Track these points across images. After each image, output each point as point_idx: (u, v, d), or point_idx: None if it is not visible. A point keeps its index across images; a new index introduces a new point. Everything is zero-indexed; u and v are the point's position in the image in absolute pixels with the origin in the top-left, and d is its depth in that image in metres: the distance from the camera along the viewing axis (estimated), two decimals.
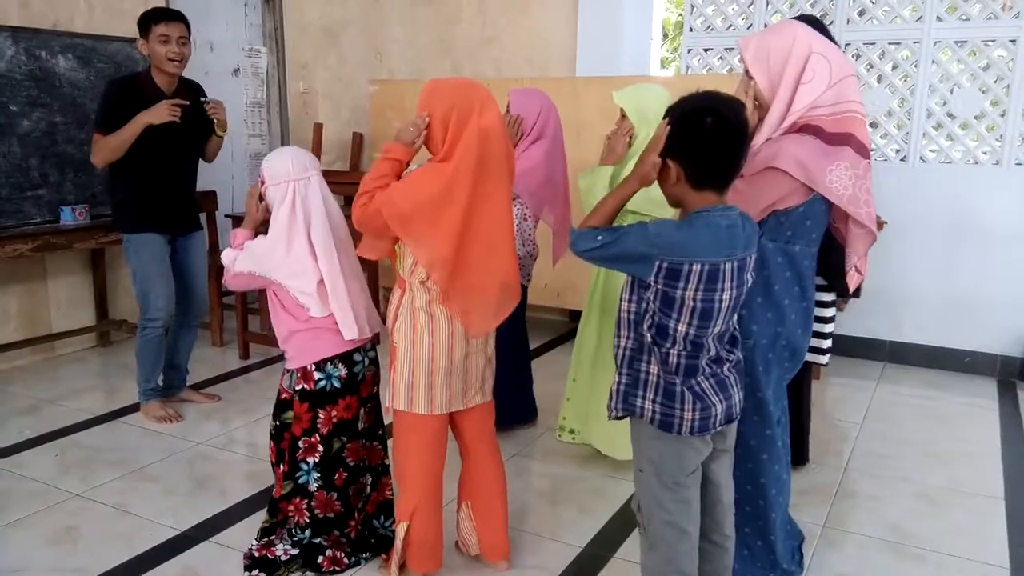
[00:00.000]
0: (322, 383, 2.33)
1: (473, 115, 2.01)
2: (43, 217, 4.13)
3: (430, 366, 2.12)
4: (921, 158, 4.38)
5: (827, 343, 2.98)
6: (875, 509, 2.88)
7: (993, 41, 4.16)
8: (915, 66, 4.31)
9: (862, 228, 2.15)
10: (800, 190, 2.04)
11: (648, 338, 1.75)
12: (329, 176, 5.76)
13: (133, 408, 3.69)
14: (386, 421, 2.40)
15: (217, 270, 4.65)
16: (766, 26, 4.61)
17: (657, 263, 1.68)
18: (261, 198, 2.39)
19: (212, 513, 2.76)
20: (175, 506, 2.83)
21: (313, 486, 2.37)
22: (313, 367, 2.32)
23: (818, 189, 2.03)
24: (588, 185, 2.94)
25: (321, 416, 2.34)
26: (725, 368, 1.82)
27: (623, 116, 2.94)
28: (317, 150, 5.70)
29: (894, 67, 4.39)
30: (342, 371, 2.34)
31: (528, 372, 3.51)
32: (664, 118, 1.74)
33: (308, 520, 2.39)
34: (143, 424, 3.56)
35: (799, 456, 3.05)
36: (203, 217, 4.70)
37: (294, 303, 2.32)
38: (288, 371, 2.40)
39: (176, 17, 3.37)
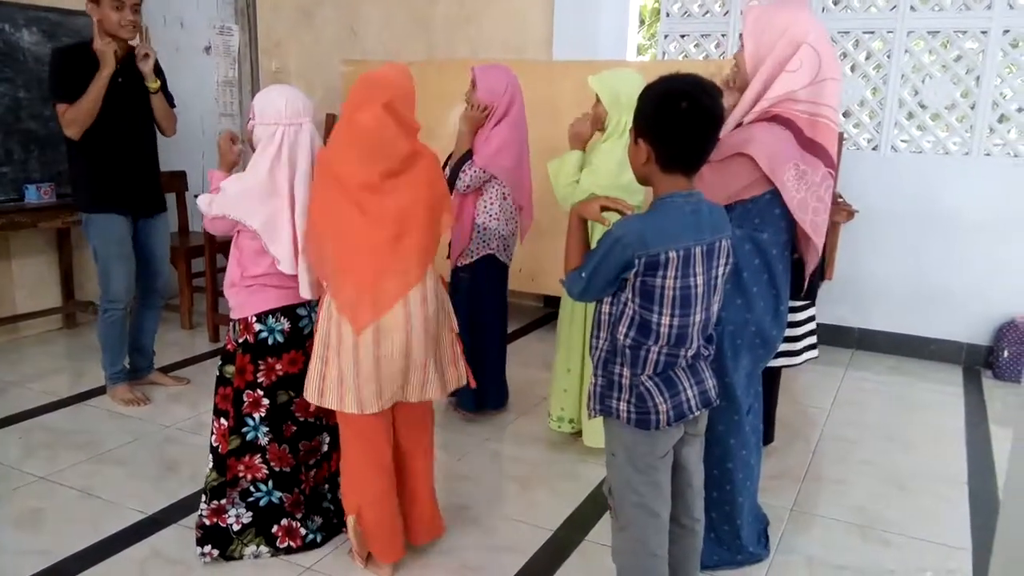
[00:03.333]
0: (263, 335, 2.30)
1: (349, 112, 2.04)
2: (7, 195, 4.04)
3: (338, 363, 2.09)
4: (892, 147, 4.43)
5: (799, 345, 2.97)
6: (842, 492, 2.92)
7: (965, 32, 4.20)
8: (888, 56, 4.34)
9: (808, 238, 2.14)
10: (762, 180, 2.04)
11: (621, 341, 1.75)
12: None
13: (99, 391, 3.64)
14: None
15: (186, 251, 4.59)
16: (741, 13, 4.61)
17: (636, 260, 1.67)
18: (234, 140, 2.34)
19: (180, 496, 2.73)
20: (142, 489, 2.79)
21: (263, 440, 2.35)
22: (254, 319, 2.30)
23: (775, 182, 2.02)
24: (555, 170, 2.96)
25: (262, 368, 2.31)
26: (700, 362, 1.83)
27: (598, 101, 2.94)
28: None
29: (868, 56, 4.42)
30: (285, 325, 2.32)
31: (503, 358, 3.51)
32: (638, 98, 1.73)
33: (267, 474, 2.37)
34: (110, 407, 3.51)
35: (766, 436, 3.09)
36: (173, 198, 4.66)
37: (252, 254, 2.26)
38: (232, 321, 2.37)
39: None
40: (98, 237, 3.39)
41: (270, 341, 2.31)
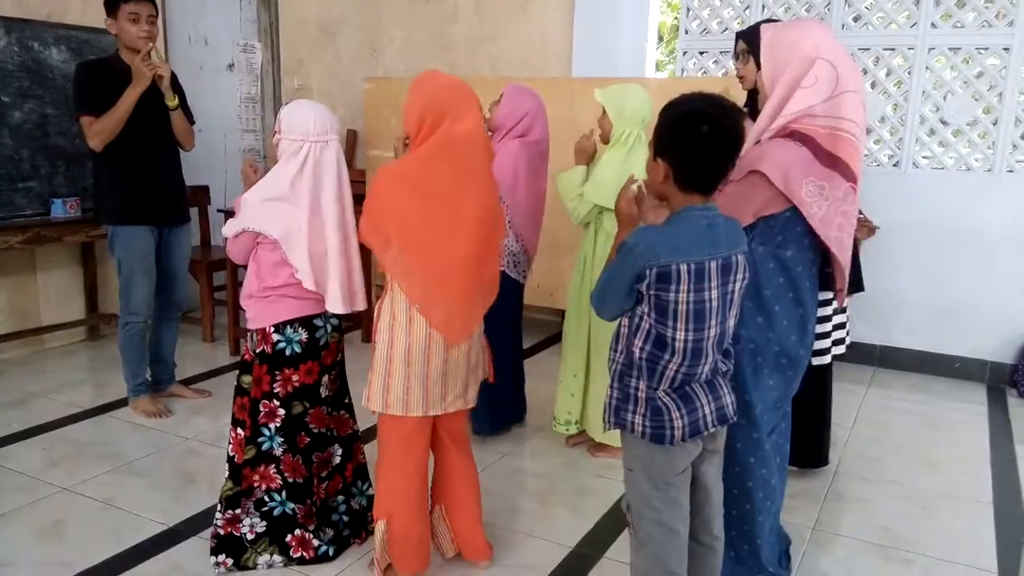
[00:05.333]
0: (281, 346, 2.31)
1: (447, 119, 1.99)
2: (34, 209, 4.11)
3: (406, 369, 2.08)
4: (914, 164, 4.40)
5: (827, 342, 2.98)
6: (864, 512, 2.88)
7: (986, 49, 4.18)
8: (909, 72, 4.33)
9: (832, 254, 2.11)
10: (780, 198, 2.02)
11: (637, 354, 1.75)
12: None
13: (121, 402, 3.67)
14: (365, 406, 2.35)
15: (208, 265, 4.64)
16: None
17: (647, 271, 1.67)
18: (255, 169, 2.37)
19: (200, 508, 2.75)
20: (163, 501, 2.81)
21: (278, 451, 2.36)
22: (272, 329, 2.30)
23: (793, 200, 2.00)
24: (563, 187, 3.06)
25: (279, 379, 2.32)
26: (718, 377, 1.82)
27: (604, 113, 3.01)
28: None
29: (888, 73, 4.41)
30: (302, 335, 2.33)
31: (521, 371, 3.51)
32: (659, 116, 1.74)
33: (281, 484, 2.38)
34: (132, 419, 3.54)
35: (819, 458, 3.11)
36: (195, 212, 4.72)
37: (271, 266, 2.26)
38: (250, 332, 2.38)
39: None
40: (123, 250, 3.43)
41: (287, 352, 2.32)
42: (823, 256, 2.18)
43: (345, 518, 2.52)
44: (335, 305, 2.29)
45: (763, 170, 1.99)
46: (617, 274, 1.73)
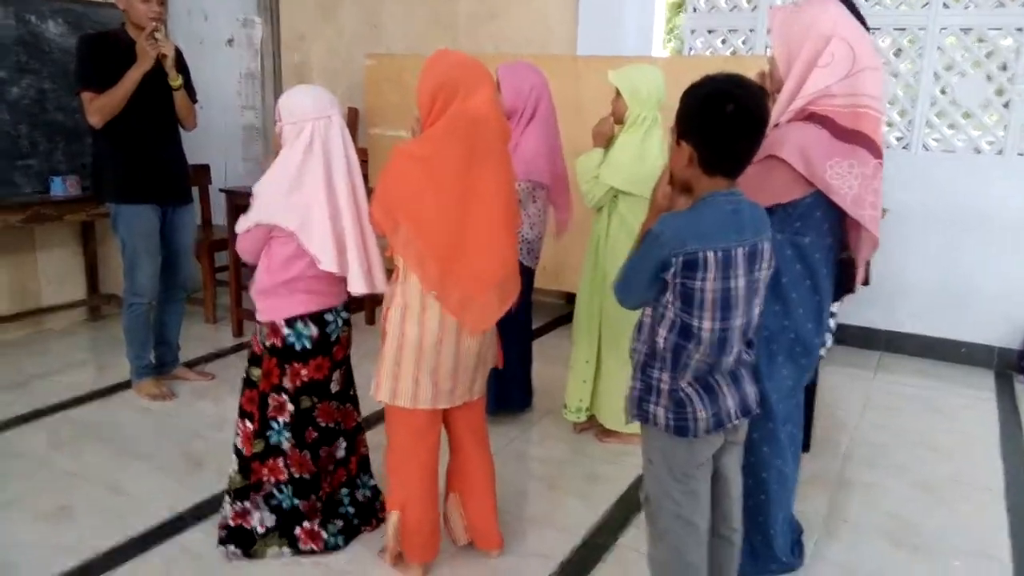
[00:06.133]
0: (291, 340, 2.27)
1: (458, 96, 1.94)
2: (33, 188, 4.05)
3: (416, 361, 2.03)
4: (924, 146, 4.35)
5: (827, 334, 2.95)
6: (875, 499, 2.87)
7: (999, 29, 4.12)
8: (920, 53, 4.27)
9: (866, 232, 2.07)
10: (801, 182, 1.98)
11: (661, 344, 1.72)
12: None
13: (125, 384, 3.64)
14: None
15: (210, 245, 4.59)
16: (770, 7, 4.54)
17: (673, 259, 1.63)
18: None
19: (207, 494, 2.72)
20: (169, 485, 2.79)
21: (286, 445, 2.33)
22: (282, 324, 2.26)
23: (817, 184, 1.96)
24: (580, 170, 3.01)
25: (288, 372, 2.29)
26: (742, 368, 1.79)
27: (617, 95, 2.95)
28: None
29: (899, 52, 4.35)
30: (313, 331, 2.29)
31: (529, 356, 3.48)
32: (682, 98, 1.70)
33: (287, 478, 2.35)
34: (135, 401, 3.51)
35: (804, 445, 3.06)
36: (196, 192, 4.66)
37: (283, 260, 2.22)
38: (259, 325, 2.34)
39: None
40: (127, 230, 3.39)
41: (298, 347, 2.29)
42: (840, 242, 2.15)
43: (351, 509, 2.50)
44: (358, 285, 2.23)
45: (782, 155, 1.95)
46: (642, 262, 1.69)
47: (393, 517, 2.20)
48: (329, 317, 2.33)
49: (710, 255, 1.63)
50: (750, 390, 1.80)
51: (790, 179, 1.99)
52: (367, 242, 2.28)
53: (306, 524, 2.38)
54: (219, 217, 4.81)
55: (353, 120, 5.57)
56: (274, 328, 2.28)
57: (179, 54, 3.45)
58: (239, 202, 4.31)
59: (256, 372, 2.35)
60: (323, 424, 2.39)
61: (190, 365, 3.90)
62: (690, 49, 4.82)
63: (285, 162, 2.18)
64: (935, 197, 4.29)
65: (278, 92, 5.75)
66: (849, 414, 3.64)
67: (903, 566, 2.47)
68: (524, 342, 3.41)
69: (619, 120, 3.00)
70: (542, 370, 3.64)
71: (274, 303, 2.27)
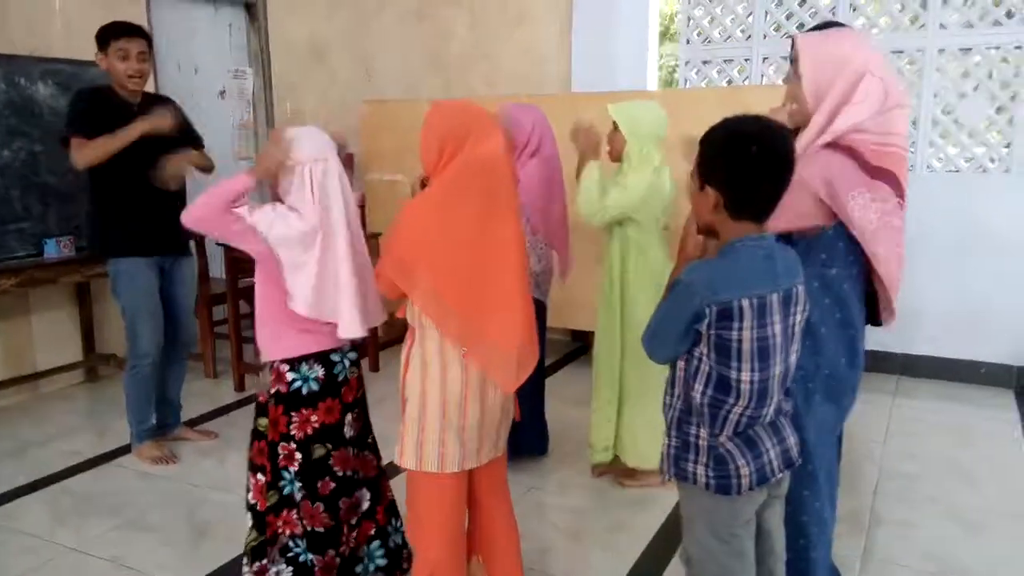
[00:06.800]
0: (297, 384, 2.16)
1: (468, 142, 1.85)
2: (26, 251, 3.96)
3: (441, 423, 1.92)
4: (928, 167, 4.31)
5: None
6: (911, 536, 2.77)
7: (998, 48, 4.10)
8: (919, 75, 4.24)
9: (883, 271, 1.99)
10: (823, 210, 1.92)
11: (698, 399, 1.63)
12: None
13: (125, 449, 3.52)
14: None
15: (208, 298, 4.50)
16: (765, 37, 4.54)
17: (707, 309, 1.55)
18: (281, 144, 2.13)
19: (216, 564, 2.61)
20: (176, 558, 2.67)
21: (297, 496, 2.21)
22: (287, 368, 2.16)
23: (838, 213, 1.90)
24: (584, 199, 2.92)
25: (296, 420, 2.18)
26: (781, 416, 1.70)
27: (615, 129, 2.91)
28: None
29: (897, 73, 4.33)
30: (319, 372, 2.18)
31: (542, 397, 3.38)
32: (701, 142, 1.63)
33: (301, 532, 2.23)
34: (137, 467, 3.39)
35: None
36: (193, 246, 4.59)
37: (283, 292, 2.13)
38: (262, 369, 2.23)
39: (136, 32, 3.22)
40: (126, 290, 3.30)
41: (304, 391, 2.18)
42: (867, 272, 2.08)
43: (384, 561, 2.38)
44: (348, 330, 2.13)
45: (804, 176, 1.88)
46: (672, 314, 1.61)
47: None
48: (335, 357, 2.22)
49: (745, 303, 1.55)
50: (792, 440, 1.71)
51: (812, 205, 1.92)
52: (366, 286, 2.19)
53: None
54: (216, 269, 4.73)
55: (349, 165, 5.52)
56: (278, 374, 2.18)
57: (172, 103, 3.42)
58: (237, 255, 4.25)
59: (263, 422, 2.24)
60: (340, 473, 2.26)
61: (192, 423, 3.79)
62: (685, 81, 4.80)
63: (301, 211, 2.10)
64: (943, 217, 4.24)
65: None
66: (873, 443, 3.54)
67: None
68: (538, 382, 3.32)
69: (616, 156, 2.94)
70: (554, 411, 3.54)
71: (276, 341, 2.17)
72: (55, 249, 4.00)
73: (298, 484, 2.21)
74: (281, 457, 2.21)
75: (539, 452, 3.37)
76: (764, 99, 2.55)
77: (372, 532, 2.37)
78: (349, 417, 2.28)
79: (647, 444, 2.96)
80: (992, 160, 4.20)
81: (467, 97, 4.88)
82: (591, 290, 3.92)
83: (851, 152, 1.93)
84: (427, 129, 1.91)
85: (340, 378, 2.23)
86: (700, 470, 1.64)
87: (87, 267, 4.03)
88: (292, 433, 2.19)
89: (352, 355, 2.29)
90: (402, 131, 4.83)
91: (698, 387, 1.62)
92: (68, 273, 4.05)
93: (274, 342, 2.18)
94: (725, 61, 4.66)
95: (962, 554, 2.65)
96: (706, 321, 1.56)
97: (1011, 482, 3.18)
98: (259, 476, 2.25)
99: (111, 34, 3.17)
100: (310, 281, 2.11)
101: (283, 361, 2.17)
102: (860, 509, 2.93)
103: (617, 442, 3.09)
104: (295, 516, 2.23)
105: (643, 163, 2.84)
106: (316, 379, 2.18)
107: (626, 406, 3.04)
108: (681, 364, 1.67)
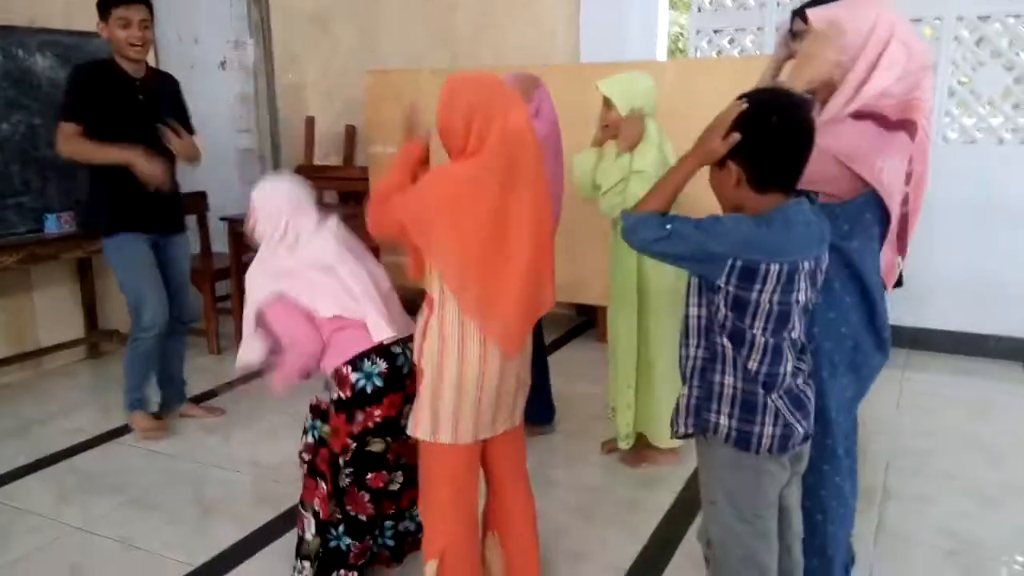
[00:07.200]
0: (361, 384, 2.08)
1: (498, 116, 1.79)
2: (27, 226, 3.90)
3: (459, 393, 1.87)
4: (943, 138, 4.23)
5: None
6: (925, 512, 2.73)
7: (1018, 16, 3.99)
8: (937, 42, 4.14)
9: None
10: (847, 178, 1.87)
11: (721, 345, 1.58)
12: (323, 171, 5.56)
13: (128, 427, 3.48)
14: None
15: (211, 274, 4.44)
16: (778, 5, 4.43)
17: (729, 262, 1.50)
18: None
19: (226, 544, 2.57)
20: (184, 537, 2.64)
21: (345, 482, 2.17)
22: (349, 369, 2.08)
23: (865, 178, 1.84)
24: (581, 165, 2.93)
25: (358, 419, 2.10)
26: (800, 381, 1.65)
27: (608, 106, 2.82)
28: (309, 144, 5.48)
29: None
30: (382, 366, 2.10)
31: (545, 370, 3.33)
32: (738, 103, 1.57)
33: (341, 518, 2.19)
34: (141, 444, 3.35)
35: None
36: (194, 220, 4.54)
37: (310, 312, 2.11)
38: (327, 379, 2.16)
39: (137, 0, 3.12)
40: (121, 263, 3.25)
41: (369, 389, 2.09)
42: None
43: (389, 543, 2.34)
44: (380, 332, 2.10)
45: (831, 146, 1.81)
46: (699, 238, 1.52)
47: (432, 567, 2.03)
48: (396, 349, 2.14)
49: (773, 267, 1.50)
50: (812, 415, 1.66)
51: (835, 173, 1.87)
52: (384, 296, 2.19)
53: (342, 571, 2.21)
54: (218, 244, 4.68)
55: (352, 137, 5.45)
56: (340, 378, 2.09)
57: (177, 90, 3.36)
58: (239, 229, 4.19)
59: (325, 428, 2.18)
60: (391, 461, 2.22)
61: (196, 400, 3.75)
62: (696, 50, 4.69)
63: (269, 259, 2.14)
64: (957, 189, 4.15)
65: (273, 113, 5.63)
66: (886, 418, 3.50)
67: None
68: (539, 356, 3.26)
69: (613, 133, 2.84)
70: (563, 386, 3.50)
71: (331, 350, 2.12)
72: (55, 224, 3.94)
73: (348, 470, 2.16)
74: (340, 456, 2.17)
75: (544, 420, 3.33)
76: None
77: (392, 512, 2.33)
78: (407, 408, 2.20)
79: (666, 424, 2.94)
80: (1008, 132, 4.11)
81: (474, 69, 4.78)
82: (596, 264, 3.87)
83: (874, 117, 1.88)
84: (447, 106, 1.83)
85: (404, 370, 2.14)
86: (723, 420, 1.59)
87: (88, 243, 3.97)
88: (353, 431, 2.13)
89: (412, 344, 2.22)
90: (406, 102, 4.73)
91: (719, 334, 1.58)
92: (69, 249, 4.00)
93: (327, 359, 2.13)
94: (737, 30, 4.56)
95: (978, 529, 2.61)
96: (724, 274, 1.51)
97: None
98: (321, 484, 2.19)
99: (112, 2, 3.08)
100: (329, 289, 2.13)
101: (345, 363, 2.10)
102: (873, 485, 2.89)
103: (639, 422, 3.03)
104: (334, 504, 2.18)
105: (647, 143, 2.76)
106: (380, 374, 2.10)
107: (650, 389, 2.96)
108: (693, 312, 1.62)
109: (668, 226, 1.56)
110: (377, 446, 2.15)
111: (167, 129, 3.16)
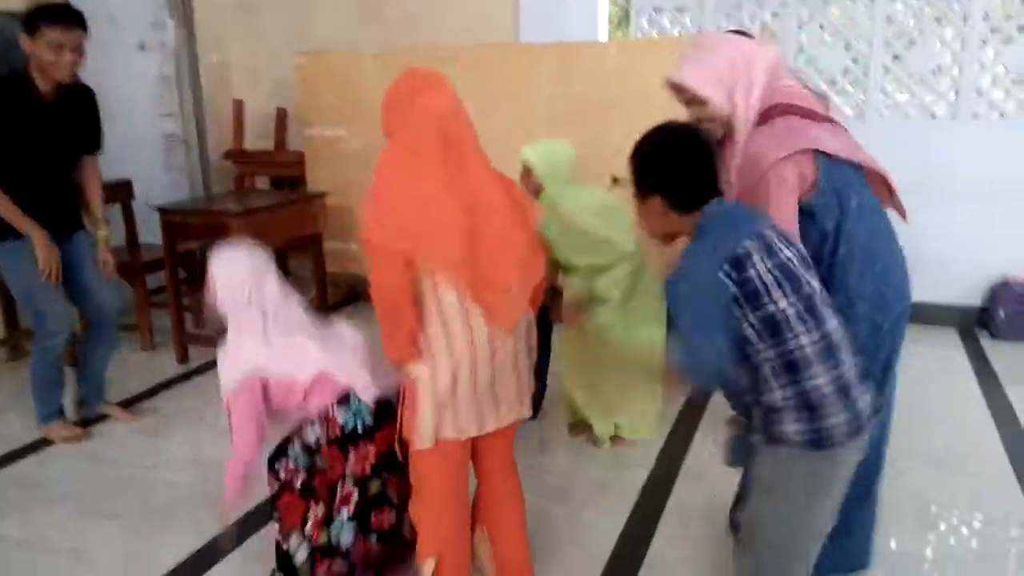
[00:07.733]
0: (350, 423, 2.02)
1: (417, 96, 1.81)
2: None
3: (447, 392, 1.83)
4: (879, 114, 4.36)
5: None
6: (890, 476, 2.80)
7: None
8: (870, 21, 4.26)
9: None
10: (803, 160, 1.91)
11: (764, 359, 1.56)
12: (255, 156, 5.33)
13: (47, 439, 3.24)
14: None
15: (140, 266, 4.19)
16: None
17: (723, 264, 1.53)
18: None
19: (188, 552, 2.43)
20: (142, 547, 2.48)
21: (348, 537, 2.09)
22: (335, 411, 2.03)
23: (812, 146, 1.91)
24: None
25: (354, 457, 2.05)
26: (841, 352, 1.61)
27: (527, 171, 2.88)
28: (238, 128, 5.24)
29: (850, 22, 4.33)
30: (371, 401, 2.06)
31: (546, 369, 3.26)
32: (631, 162, 1.67)
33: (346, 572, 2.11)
34: (82, 449, 3.14)
35: None
36: (118, 210, 4.31)
37: (284, 392, 2.03)
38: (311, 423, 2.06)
39: (75, 20, 2.83)
40: (12, 271, 3.02)
41: (359, 428, 2.03)
42: None
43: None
44: (367, 393, 2.06)
45: (774, 156, 1.88)
46: (699, 300, 1.54)
47: (429, 566, 1.96)
48: None
49: (748, 243, 1.55)
50: (872, 385, 1.67)
51: (797, 168, 1.90)
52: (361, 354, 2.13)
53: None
54: (147, 235, 4.43)
55: (283, 120, 5.23)
56: (327, 421, 2.02)
57: (92, 105, 3.13)
58: (173, 219, 3.97)
59: (316, 460, 2.08)
60: (396, 500, 2.16)
61: (129, 402, 3.56)
62: (637, 30, 4.69)
63: (235, 350, 2.03)
64: (891, 163, 4.27)
65: (197, 96, 5.35)
66: None
67: (935, 545, 2.43)
68: (545, 349, 3.21)
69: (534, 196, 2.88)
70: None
71: (317, 390, 2.04)
72: None
73: (352, 524, 2.08)
74: (339, 499, 2.08)
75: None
76: None
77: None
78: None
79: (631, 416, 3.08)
80: (940, 108, 4.27)
81: (410, 48, 4.64)
82: None
83: (779, 110, 1.95)
84: (384, 103, 1.88)
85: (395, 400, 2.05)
86: (790, 428, 1.57)
87: None
88: (350, 472, 2.06)
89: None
90: (343, 84, 4.58)
91: (756, 347, 1.55)
92: None
93: (311, 399, 2.04)
94: (677, 10, 4.57)
95: (933, 491, 2.72)
96: (730, 281, 1.53)
97: (973, 421, 3.26)
98: (318, 507, 2.08)
99: (45, 21, 2.78)
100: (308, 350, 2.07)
101: (331, 403, 2.03)
102: None
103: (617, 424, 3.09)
104: (339, 564, 2.10)
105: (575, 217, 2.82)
106: (369, 409, 2.05)
107: (605, 384, 3.04)
108: (738, 371, 1.61)
109: (694, 332, 1.55)
110: (375, 487, 2.11)
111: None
